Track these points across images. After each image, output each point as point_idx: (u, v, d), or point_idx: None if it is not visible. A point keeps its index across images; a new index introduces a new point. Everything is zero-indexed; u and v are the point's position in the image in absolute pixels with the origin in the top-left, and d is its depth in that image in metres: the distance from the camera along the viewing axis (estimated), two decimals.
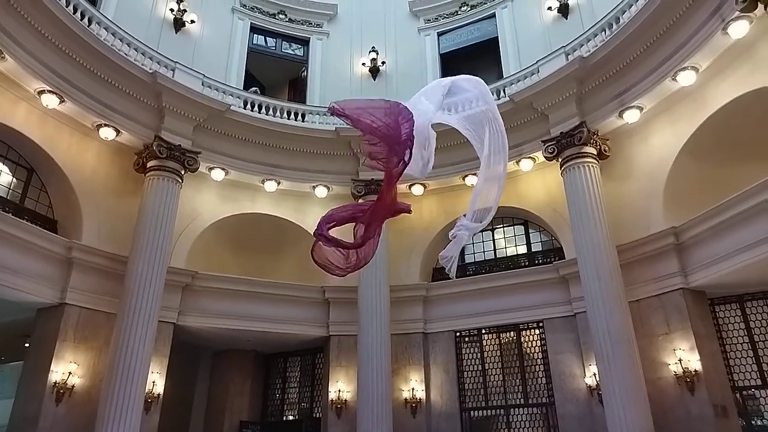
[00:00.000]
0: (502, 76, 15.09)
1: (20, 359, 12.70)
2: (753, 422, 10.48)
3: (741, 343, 10.93)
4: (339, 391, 13.58)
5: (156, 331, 11.53)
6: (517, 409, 13.01)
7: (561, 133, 12.46)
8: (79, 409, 10.93)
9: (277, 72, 18.32)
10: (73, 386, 10.98)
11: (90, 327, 11.58)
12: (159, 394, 12.20)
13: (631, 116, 11.92)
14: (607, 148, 12.35)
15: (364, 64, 16.96)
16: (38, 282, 11.12)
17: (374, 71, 16.83)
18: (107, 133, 12.31)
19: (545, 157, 12.83)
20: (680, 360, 10.53)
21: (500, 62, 15.91)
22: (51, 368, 10.83)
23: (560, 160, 12.45)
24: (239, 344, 14.95)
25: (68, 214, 12.19)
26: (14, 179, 11.77)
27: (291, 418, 15.36)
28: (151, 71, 12.70)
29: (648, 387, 10.43)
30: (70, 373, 10.96)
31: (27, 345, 12.22)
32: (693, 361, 10.42)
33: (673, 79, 11.00)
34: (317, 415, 14.61)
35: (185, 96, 13.03)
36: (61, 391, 10.79)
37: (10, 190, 11.64)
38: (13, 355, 14.82)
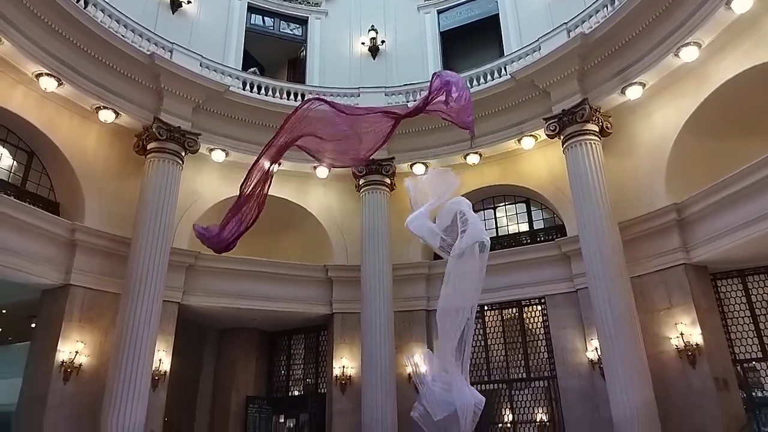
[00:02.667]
0: (503, 54, 14.98)
1: (27, 339, 12.83)
2: (753, 394, 10.61)
3: (742, 317, 11.02)
4: (343, 367, 13.75)
5: (161, 310, 11.64)
6: (519, 383, 13.20)
7: (563, 110, 12.40)
8: (87, 387, 11.08)
9: (276, 52, 18.17)
10: (80, 365, 11.12)
11: (96, 307, 11.69)
12: (166, 372, 12.36)
13: (634, 93, 11.86)
14: (609, 125, 12.31)
15: (363, 43, 16.82)
16: (42, 264, 11.19)
17: (374, 50, 16.69)
18: (106, 116, 12.28)
19: (547, 135, 12.79)
20: (681, 334, 10.63)
21: (501, 40, 15.79)
22: (58, 348, 10.96)
23: (562, 137, 12.42)
24: (244, 323, 15.09)
25: (70, 196, 12.22)
26: (15, 162, 11.78)
27: (296, 393, 15.58)
28: (148, 53, 12.62)
29: (649, 361, 10.54)
30: (77, 352, 11.10)
31: (33, 326, 12.33)
32: (694, 335, 10.52)
33: (675, 55, 10.93)
34: (322, 391, 14.81)
35: (184, 77, 12.96)
36: (69, 370, 10.94)
37: (11, 174, 11.65)
38: (20, 336, 14.96)
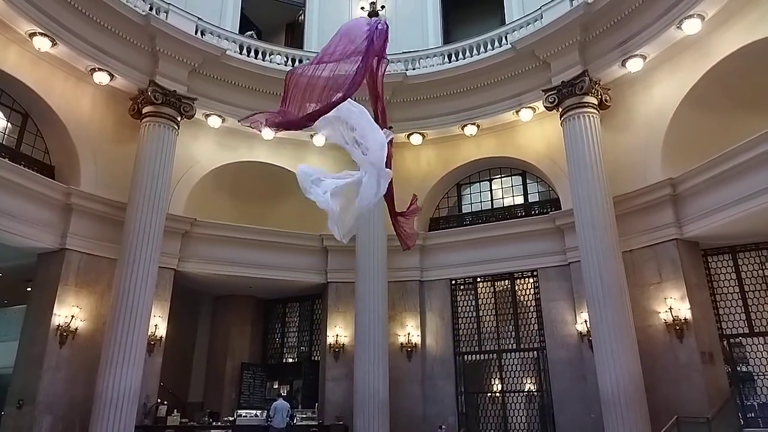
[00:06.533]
0: (504, 22, 14.74)
1: (23, 303, 12.92)
2: (738, 368, 10.83)
3: (731, 293, 11.16)
4: (337, 335, 13.94)
5: (157, 276, 11.71)
6: (509, 353, 13.41)
7: (562, 82, 12.27)
8: (83, 350, 11.24)
9: (274, 15, 17.86)
10: (76, 329, 11.24)
11: (91, 272, 11.76)
12: (161, 337, 12.53)
13: (634, 65, 11.73)
14: (608, 98, 12.22)
15: (363, 8, 16.37)
16: (38, 227, 11.21)
17: (373, 16, 16.30)
18: (101, 78, 12.12)
19: (545, 107, 12.69)
20: (670, 308, 10.77)
21: (503, 7, 15.49)
22: (54, 312, 11.06)
23: (560, 110, 12.32)
24: (239, 290, 15.22)
25: (65, 159, 12.15)
26: (9, 124, 11.66)
27: (290, 360, 15.84)
28: (143, 13, 12.37)
29: (638, 334, 10.70)
30: (72, 316, 11.21)
31: (29, 289, 12.40)
32: (683, 310, 10.67)
33: (678, 27, 10.77)
34: (316, 358, 15.06)
35: (179, 40, 12.74)
36: (65, 333, 11.06)
37: (6, 136, 11.54)
38: (17, 299, 15.06)
